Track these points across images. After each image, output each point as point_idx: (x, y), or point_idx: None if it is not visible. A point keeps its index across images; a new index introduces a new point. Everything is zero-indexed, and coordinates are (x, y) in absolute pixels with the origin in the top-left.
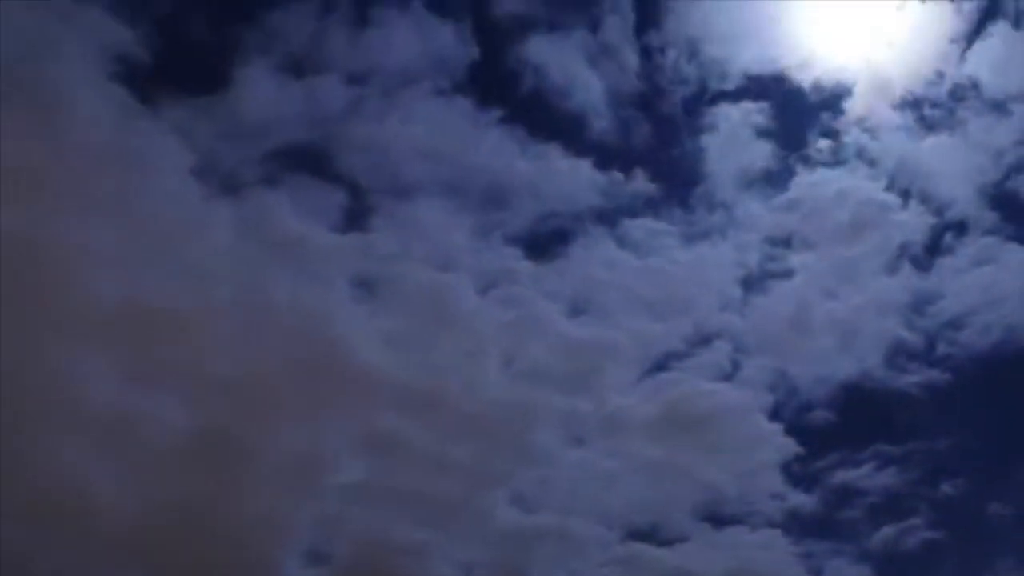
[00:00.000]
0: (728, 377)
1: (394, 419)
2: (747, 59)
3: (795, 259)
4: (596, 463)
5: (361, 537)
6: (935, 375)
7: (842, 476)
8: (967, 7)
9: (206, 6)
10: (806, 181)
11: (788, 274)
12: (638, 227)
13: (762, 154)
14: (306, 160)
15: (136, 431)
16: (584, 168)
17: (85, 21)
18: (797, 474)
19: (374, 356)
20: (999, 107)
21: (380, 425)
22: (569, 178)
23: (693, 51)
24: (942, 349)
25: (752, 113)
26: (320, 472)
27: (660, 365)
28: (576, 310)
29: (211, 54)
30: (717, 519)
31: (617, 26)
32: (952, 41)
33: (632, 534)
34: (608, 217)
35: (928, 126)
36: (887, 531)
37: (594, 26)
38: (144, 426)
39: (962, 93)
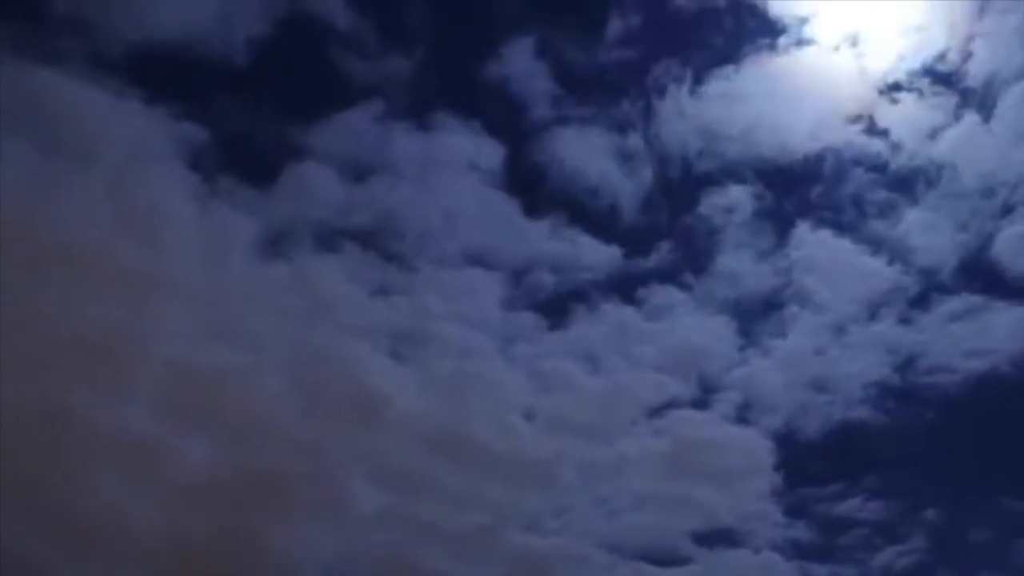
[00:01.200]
0: (729, 419)
1: (422, 458)
2: (751, 146)
3: (791, 317)
4: (606, 495)
5: (385, 562)
6: (916, 416)
7: (836, 506)
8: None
9: (273, 106)
10: (801, 248)
11: (783, 334)
12: (651, 294)
13: (761, 227)
14: (356, 235)
15: (172, 467)
16: (603, 247)
17: (169, 125)
18: (794, 505)
19: (406, 404)
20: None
21: (408, 463)
22: (590, 254)
23: (705, 140)
24: (921, 393)
25: (753, 192)
26: (347, 504)
27: (667, 410)
28: (591, 366)
29: (276, 148)
30: (719, 543)
31: (636, 119)
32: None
33: (637, 557)
34: (624, 286)
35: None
36: (881, 556)
37: (614, 122)
38: (180, 463)
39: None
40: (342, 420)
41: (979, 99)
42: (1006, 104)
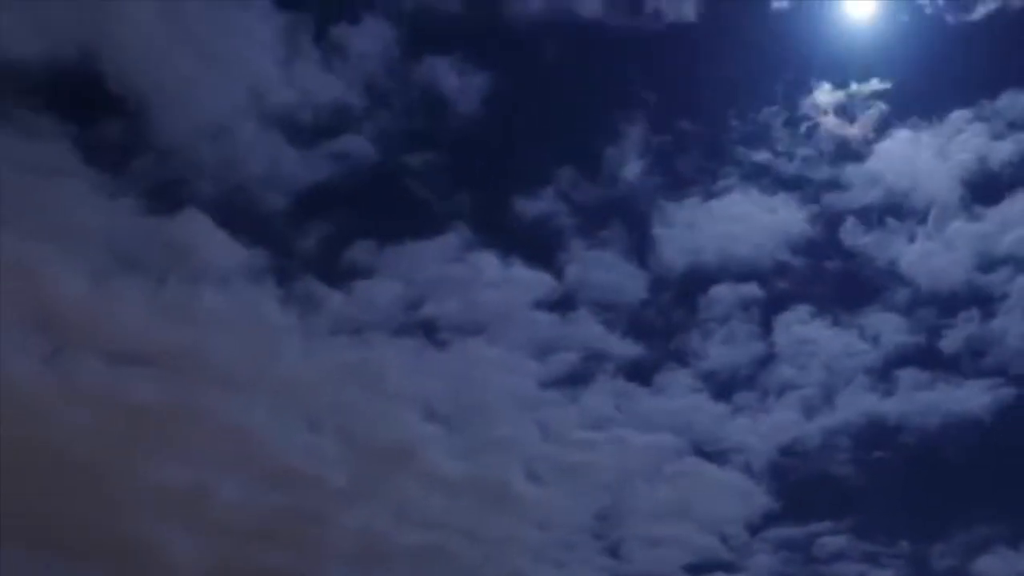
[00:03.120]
0: (721, 463)
1: (445, 500)
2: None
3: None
4: (610, 533)
5: None
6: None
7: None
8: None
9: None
10: (785, 335)
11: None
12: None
13: (752, 316)
14: (394, 312)
15: (216, 510)
16: (613, 337)
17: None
18: (785, 540)
19: (429, 451)
20: None
21: (434, 504)
22: (602, 342)
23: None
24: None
25: (745, 289)
26: (379, 540)
27: (665, 460)
28: (593, 426)
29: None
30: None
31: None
32: None
33: None
34: (628, 366)
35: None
36: None
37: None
38: (223, 506)
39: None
40: (379, 470)
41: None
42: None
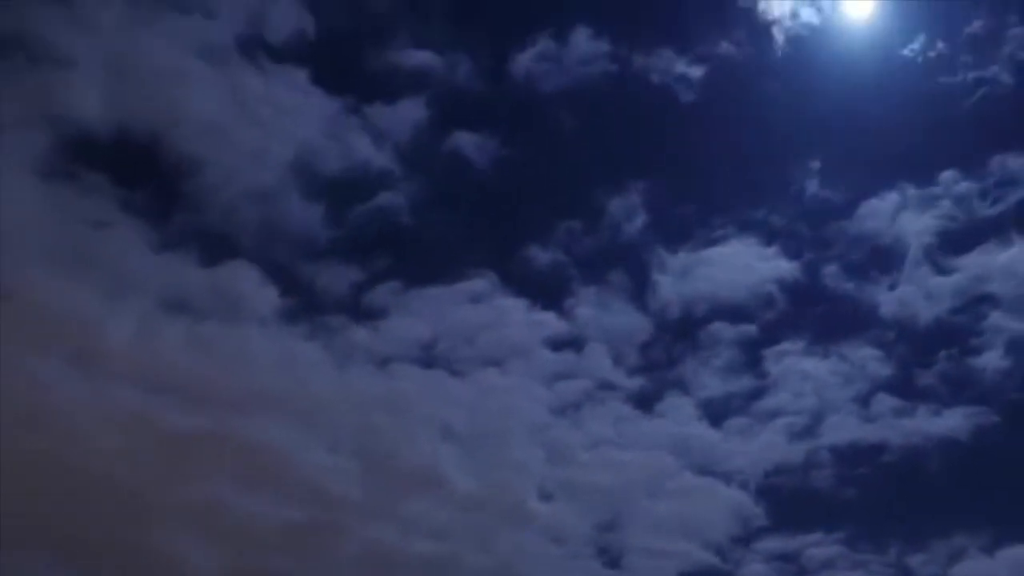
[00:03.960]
0: (716, 480)
1: (459, 514)
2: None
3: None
4: (609, 545)
5: None
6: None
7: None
8: None
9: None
10: (775, 367)
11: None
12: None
13: (744, 351)
14: (417, 346)
15: (238, 523)
16: (617, 370)
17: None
18: (777, 550)
19: (445, 470)
20: None
21: (448, 518)
22: (607, 374)
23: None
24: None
25: (738, 327)
26: (394, 551)
27: (665, 478)
28: (598, 447)
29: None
30: None
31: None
32: None
33: None
34: (631, 395)
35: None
36: None
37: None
38: (245, 520)
39: None
40: (398, 487)
41: None
42: None
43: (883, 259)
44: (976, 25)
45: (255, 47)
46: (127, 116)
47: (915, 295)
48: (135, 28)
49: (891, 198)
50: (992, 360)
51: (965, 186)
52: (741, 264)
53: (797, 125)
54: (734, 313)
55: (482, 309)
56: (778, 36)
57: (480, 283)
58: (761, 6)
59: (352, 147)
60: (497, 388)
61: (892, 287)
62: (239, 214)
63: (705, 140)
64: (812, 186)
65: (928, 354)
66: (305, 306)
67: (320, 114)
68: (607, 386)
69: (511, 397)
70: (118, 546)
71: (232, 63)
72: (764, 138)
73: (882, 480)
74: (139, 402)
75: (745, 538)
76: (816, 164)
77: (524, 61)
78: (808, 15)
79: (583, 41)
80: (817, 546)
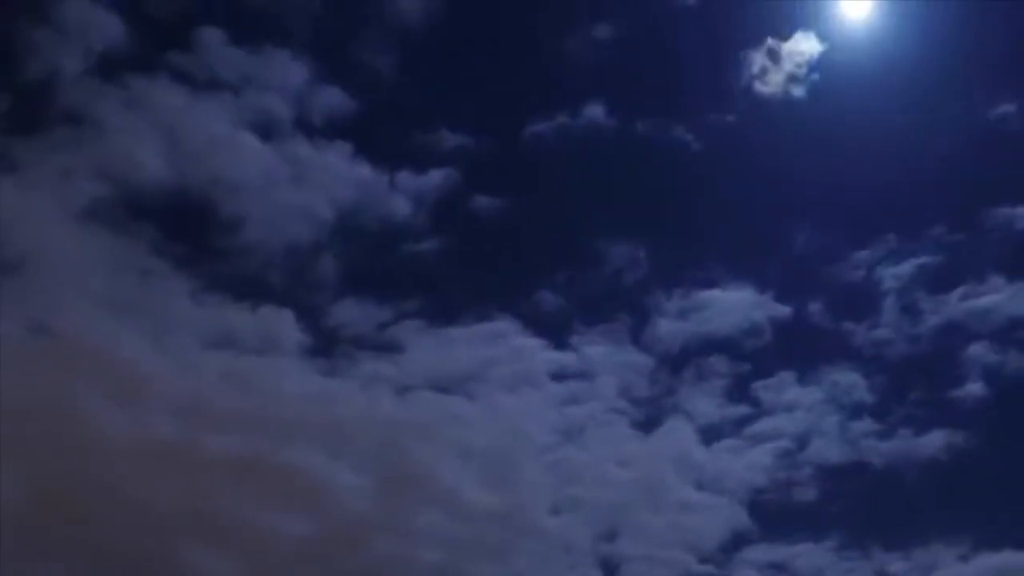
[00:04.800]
0: (710, 494)
1: (473, 528)
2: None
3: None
4: (609, 555)
5: None
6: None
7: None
8: None
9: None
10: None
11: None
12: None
13: (738, 380)
14: (435, 376)
15: (266, 539)
16: (621, 399)
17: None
18: (765, 560)
19: (459, 486)
20: None
21: (461, 531)
22: (611, 401)
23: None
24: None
25: (732, 360)
26: (409, 560)
27: (664, 493)
28: (603, 465)
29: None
30: None
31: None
32: None
33: None
34: (633, 420)
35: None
36: None
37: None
38: (269, 536)
39: None
40: (414, 502)
41: None
42: None
43: (867, 300)
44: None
45: (301, 122)
46: (179, 178)
47: (897, 332)
48: (194, 103)
49: (876, 246)
50: (970, 389)
51: (947, 236)
52: (734, 305)
53: (786, 183)
54: (729, 348)
55: (496, 346)
56: (769, 104)
57: (495, 324)
58: (753, 82)
59: (384, 206)
60: (510, 413)
61: (874, 326)
62: (277, 263)
63: (702, 197)
64: (801, 237)
65: (909, 384)
66: (333, 343)
67: (357, 179)
68: (611, 411)
69: (523, 421)
70: (155, 561)
71: (279, 135)
72: (755, 195)
73: (865, 495)
74: (176, 430)
75: (737, 548)
76: (804, 217)
77: (540, 131)
78: (797, 91)
79: (595, 114)
80: (804, 555)
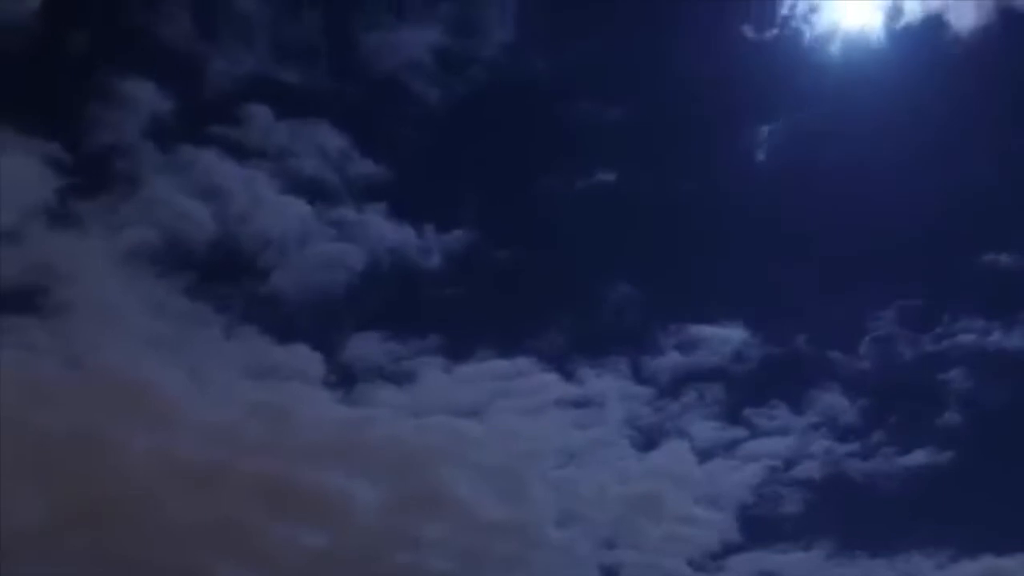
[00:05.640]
0: (705, 506)
1: (483, 539)
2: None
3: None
4: (607, 562)
5: None
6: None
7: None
8: None
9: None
10: (755, 418)
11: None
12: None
13: (730, 405)
14: (450, 403)
15: (285, 553)
16: (623, 423)
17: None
18: (755, 568)
19: (471, 500)
20: None
21: (472, 542)
22: (613, 425)
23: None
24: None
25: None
26: (428, 571)
27: (662, 505)
28: (606, 480)
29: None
30: None
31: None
32: None
33: None
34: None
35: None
36: None
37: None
38: (284, 546)
39: None
40: (429, 516)
41: None
42: None
43: (852, 332)
44: None
45: (334, 184)
46: (223, 233)
47: (881, 363)
48: (241, 169)
49: (860, 288)
50: (950, 411)
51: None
52: (727, 339)
53: (773, 230)
54: (722, 377)
55: (509, 378)
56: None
57: (508, 360)
58: (736, 143)
59: (411, 258)
60: (520, 436)
61: (862, 356)
62: (309, 306)
63: (697, 244)
64: (788, 276)
65: (891, 408)
66: (354, 375)
67: (390, 235)
68: (614, 435)
69: (531, 443)
70: (188, 574)
71: (319, 197)
72: (746, 240)
73: (851, 509)
74: (209, 454)
75: (729, 556)
76: (792, 260)
77: (548, 190)
78: (789, 157)
79: (595, 173)
80: (795, 563)
